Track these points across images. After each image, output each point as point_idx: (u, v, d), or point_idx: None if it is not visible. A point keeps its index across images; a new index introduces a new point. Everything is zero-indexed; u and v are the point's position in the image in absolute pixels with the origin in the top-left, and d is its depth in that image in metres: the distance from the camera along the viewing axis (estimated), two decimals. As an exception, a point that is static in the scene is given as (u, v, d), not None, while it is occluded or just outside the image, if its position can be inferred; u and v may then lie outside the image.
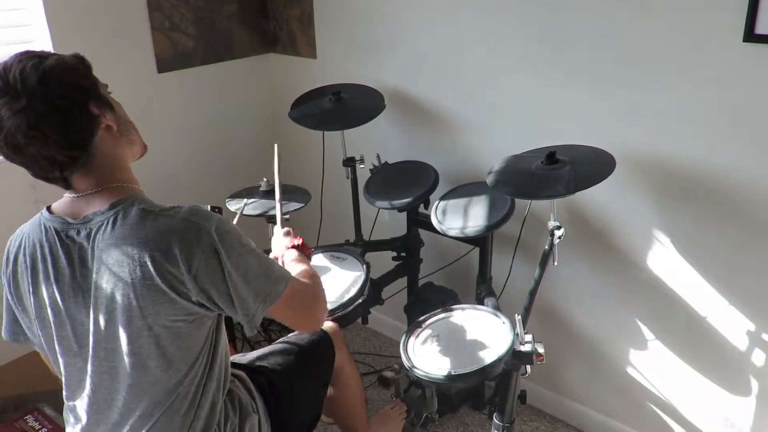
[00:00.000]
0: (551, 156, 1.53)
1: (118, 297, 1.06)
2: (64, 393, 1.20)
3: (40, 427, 1.87)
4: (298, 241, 1.51)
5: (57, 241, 1.09)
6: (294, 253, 1.47)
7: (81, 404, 1.18)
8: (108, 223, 1.07)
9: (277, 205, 1.73)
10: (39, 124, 0.99)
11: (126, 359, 1.10)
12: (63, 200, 1.13)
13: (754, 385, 1.71)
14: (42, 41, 1.95)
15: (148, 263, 1.03)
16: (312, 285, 1.31)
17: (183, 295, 1.06)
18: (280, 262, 1.46)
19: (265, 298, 1.14)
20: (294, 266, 1.40)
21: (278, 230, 1.61)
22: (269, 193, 2.12)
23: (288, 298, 1.18)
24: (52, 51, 1.05)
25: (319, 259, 2.00)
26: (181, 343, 1.11)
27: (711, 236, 1.65)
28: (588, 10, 1.67)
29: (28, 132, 0.99)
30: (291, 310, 1.22)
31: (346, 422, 1.76)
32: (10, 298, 1.18)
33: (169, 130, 2.36)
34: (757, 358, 1.67)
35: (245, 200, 2.01)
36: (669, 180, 1.68)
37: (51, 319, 1.13)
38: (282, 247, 1.52)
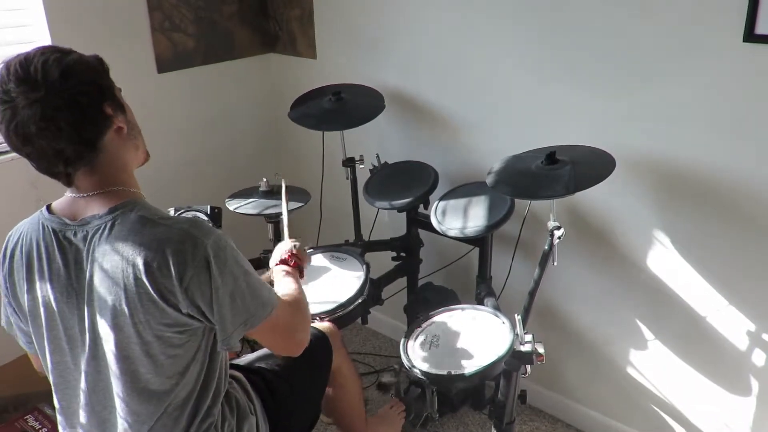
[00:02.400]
0: (551, 156, 1.53)
1: (110, 302, 1.06)
2: (54, 394, 1.20)
3: (40, 427, 1.87)
4: (285, 255, 1.50)
5: (54, 241, 1.09)
6: (282, 269, 1.46)
7: (73, 406, 1.18)
8: (106, 227, 1.07)
9: (285, 218, 1.72)
10: (53, 116, 0.99)
11: (116, 364, 1.09)
12: (63, 199, 1.13)
13: (754, 385, 1.71)
14: (42, 41, 1.95)
15: (142, 270, 1.03)
16: (296, 313, 1.28)
17: (173, 305, 1.06)
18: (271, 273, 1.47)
19: (246, 321, 1.12)
20: (282, 284, 1.38)
21: (285, 240, 1.60)
22: (269, 193, 2.12)
23: (271, 324, 1.17)
24: (72, 48, 1.06)
25: (319, 259, 2.00)
26: (171, 351, 1.10)
27: (711, 236, 1.65)
28: (588, 10, 1.67)
29: (41, 123, 0.99)
30: (272, 335, 1.22)
31: (345, 422, 1.76)
32: (5, 293, 1.18)
33: (169, 130, 2.36)
34: (757, 358, 1.67)
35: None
36: (669, 180, 1.68)
37: (43, 317, 1.13)
38: (277, 257, 1.51)
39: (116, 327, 1.07)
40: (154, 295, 1.04)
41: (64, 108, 0.99)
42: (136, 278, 1.03)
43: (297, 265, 1.49)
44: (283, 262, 1.49)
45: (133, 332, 1.07)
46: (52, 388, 1.20)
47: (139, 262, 1.03)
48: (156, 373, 1.10)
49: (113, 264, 1.04)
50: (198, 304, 1.07)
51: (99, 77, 1.06)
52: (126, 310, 1.05)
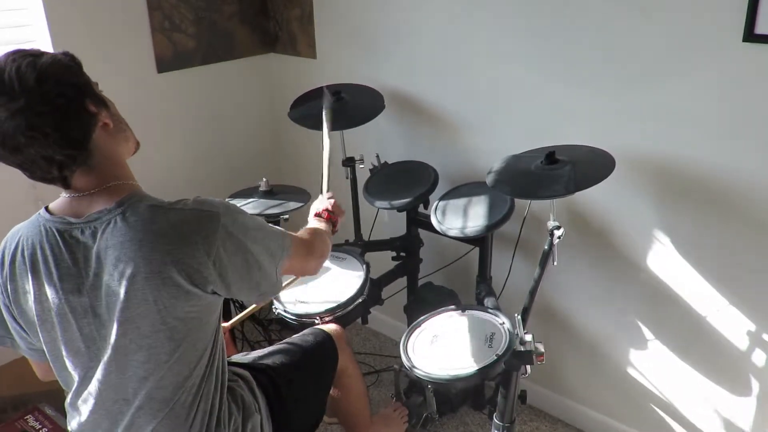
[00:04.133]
0: (551, 156, 1.53)
1: (131, 294, 1.05)
2: (70, 392, 1.19)
3: (40, 427, 1.87)
4: (322, 211, 1.61)
5: (60, 242, 1.08)
6: (316, 221, 1.59)
7: (89, 401, 1.17)
8: (116, 220, 1.06)
9: (325, 171, 1.79)
10: (38, 124, 0.98)
11: (136, 355, 1.10)
12: (61, 200, 1.12)
13: (754, 385, 1.71)
14: (42, 41, 1.95)
15: (167, 257, 1.03)
16: (314, 240, 1.42)
17: (199, 284, 1.08)
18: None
19: (280, 256, 1.23)
20: (311, 223, 1.58)
21: (323, 195, 1.70)
22: (268, 193, 2.12)
23: (294, 253, 1.28)
24: (41, 49, 1.05)
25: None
26: (192, 335, 1.12)
27: (711, 236, 1.65)
28: (588, 10, 1.67)
29: (27, 132, 0.98)
30: (295, 260, 1.30)
31: (349, 423, 1.76)
32: (4, 301, 1.16)
33: (169, 130, 2.36)
34: (757, 358, 1.67)
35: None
36: (669, 180, 1.68)
37: (56, 321, 1.12)
38: (313, 210, 1.63)
39: (139, 318, 1.07)
40: (180, 279, 1.05)
41: (46, 113, 0.99)
42: (159, 263, 1.04)
43: (330, 218, 1.61)
44: (317, 215, 1.61)
45: (157, 319, 1.07)
46: (67, 386, 1.18)
47: (159, 246, 1.04)
48: (176, 360, 1.11)
49: (131, 254, 1.04)
50: (226, 274, 1.11)
51: (75, 76, 1.05)
52: (150, 299, 1.05)
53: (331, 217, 1.60)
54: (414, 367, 1.54)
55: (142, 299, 1.06)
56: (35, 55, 1.01)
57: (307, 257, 1.38)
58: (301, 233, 1.42)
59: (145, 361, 1.10)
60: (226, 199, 2.09)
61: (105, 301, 1.08)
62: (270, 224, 1.27)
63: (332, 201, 1.65)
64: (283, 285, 1.71)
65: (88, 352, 1.13)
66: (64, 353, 1.14)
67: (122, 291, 1.06)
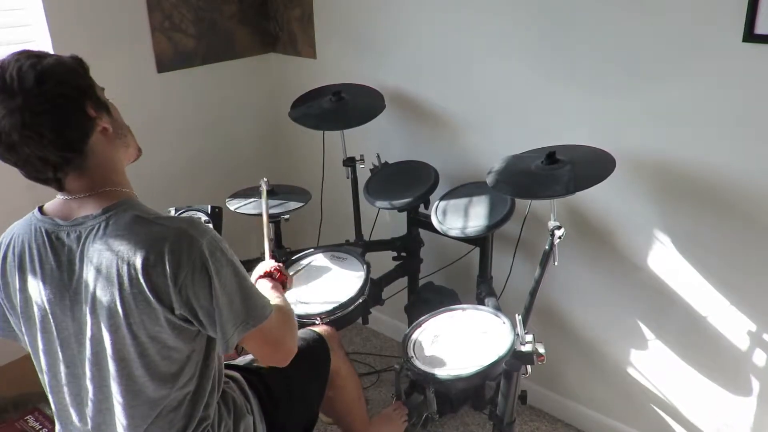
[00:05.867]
0: (551, 156, 1.53)
1: (105, 302, 1.05)
2: (49, 395, 1.19)
3: (40, 427, 1.87)
4: (271, 269, 1.47)
5: (46, 243, 1.09)
6: (266, 282, 1.44)
7: (67, 407, 1.17)
8: (100, 227, 1.06)
9: (266, 241, 1.70)
10: (34, 123, 0.98)
11: (112, 365, 1.09)
12: (55, 201, 1.12)
13: (754, 385, 1.71)
14: (42, 41, 1.95)
15: (138, 269, 1.02)
16: (286, 321, 1.27)
17: (167, 305, 1.05)
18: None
19: (246, 322, 1.12)
20: (269, 295, 1.33)
21: (266, 260, 1.59)
22: (269, 193, 2.11)
23: (266, 330, 1.16)
24: (49, 52, 1.04)
25: (319, 259, 2.00)
26: (165, 353, 1.10)
27: (711, 236, 1.65)
28: (588, 10, 1.67)
29: (23, 131, 0.98)
30: (263, 341, 1.20)
31: (345, 423, 1.76)
32: (0, 295, 1.17)
33: (169, 130, 2.35)
34: (757, 358, 1.67)
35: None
36: (669, 180, 1.68)
37: (37, 319, 1.12)
38: (260, 272, 1.48)
39: (111, 328, 1.06)
40: (149, 295, 1.03)
41: (43, 113, 0.98)
42: (132, 277, 1.03)
43: (281, 280, 1.48)
44: (268, 274, 1.47)
45: (127, 332, 1.06)
46: (47, 389, 1.19)
47: (135, 260, 1.02)
48: (151, 375, 1.10)
49: (108, 264, 1.04)
50: (192, 306, 1.06)
51: (77, 78, 1.04)
52: (121, 310, 1.04)
53: (282, 278, 1.47)
54: (414, 367, 1.54)
55: (114, 310, 1.05)
56: (39, 56, 1.01)
57: (278, 345, 1.22)
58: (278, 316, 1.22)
59: (118, 374, 1.09)
60: (227, 200, 2.09)
61: (82, 306, 1.08)
62: (254, 287, 1.15)
63: (280, 264, 1.52)
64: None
65: (63, 354, 1.13)
66: (41, 350, 1.15)
67: (98, 299, 1.06)
